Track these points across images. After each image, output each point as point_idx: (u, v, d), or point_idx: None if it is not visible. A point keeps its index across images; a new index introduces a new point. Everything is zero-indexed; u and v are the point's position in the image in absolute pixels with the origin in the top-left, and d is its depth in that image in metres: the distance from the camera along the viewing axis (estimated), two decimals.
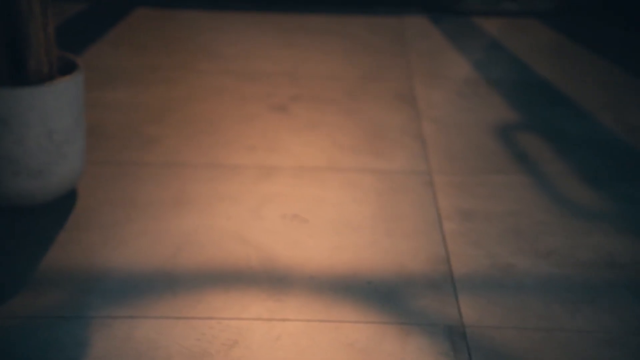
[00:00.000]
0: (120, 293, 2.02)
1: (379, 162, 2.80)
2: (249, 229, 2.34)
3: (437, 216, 2.43)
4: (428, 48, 4.17)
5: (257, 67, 3.79)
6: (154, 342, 1.85)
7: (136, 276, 2.10)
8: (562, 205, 2.52)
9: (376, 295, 2.05)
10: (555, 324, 1.97)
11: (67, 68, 2.39)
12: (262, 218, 2.40)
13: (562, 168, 2.63)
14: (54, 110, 2.28)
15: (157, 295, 2.02)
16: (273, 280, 2.10)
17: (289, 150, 2.87)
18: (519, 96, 3.50)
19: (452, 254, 2.24)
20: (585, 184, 2.64)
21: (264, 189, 2.57)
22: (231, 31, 4.32)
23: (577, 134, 3.05)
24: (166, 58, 3.81)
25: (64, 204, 2.43)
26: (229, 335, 1.88)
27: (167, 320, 1.92)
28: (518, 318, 1.98)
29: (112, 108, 3.19)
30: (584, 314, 2.00)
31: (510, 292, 2.09)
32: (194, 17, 4.49)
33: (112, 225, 2.34)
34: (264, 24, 4.50)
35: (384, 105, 3.34)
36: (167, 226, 2.34)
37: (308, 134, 3.01)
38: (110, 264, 2.15)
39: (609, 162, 2.82)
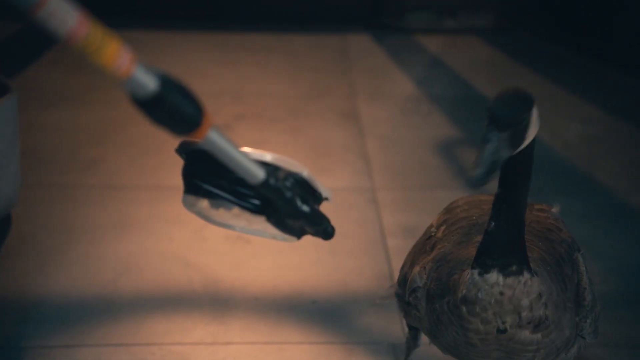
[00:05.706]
0: (56, 321, 1.96)
1: (323, 180, 2.79)
2: (192, 251, 2.30)
3: (381, 233, 2.44)
4: (371, 65, 4.20)
5: (199, 86, 3.75)
6: None
7: (74, 303, 2.04)
8: None
9: (320, 314, 2.04)
10: None
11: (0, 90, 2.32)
12: (205, 239, 2.36)
13: None
14: None
15: (97, 322, 1.97)
16: (216, 303, 2.07)
17: None
18: (459, 112, 3.55)
19: (396, 270, 2.24)
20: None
21: None
22: (173, 51, 4.28)
23: None
24: (106, 78, 3.75)
25: None
26: None
27: (106, 348, 1.87)
28: None
29: (50, 130, 3.12)
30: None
31: None
32: (135, 37, 4.43)
33: (48, 251, 2.27)
34: (206, 43, 4.47)
35: (327, 123, 3.35)
36: (107, 251, 2.29)
37: None
38: (46, 292, 2.08)
39: (547, 177, 2.87)
